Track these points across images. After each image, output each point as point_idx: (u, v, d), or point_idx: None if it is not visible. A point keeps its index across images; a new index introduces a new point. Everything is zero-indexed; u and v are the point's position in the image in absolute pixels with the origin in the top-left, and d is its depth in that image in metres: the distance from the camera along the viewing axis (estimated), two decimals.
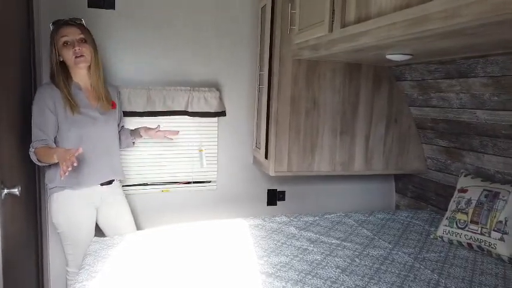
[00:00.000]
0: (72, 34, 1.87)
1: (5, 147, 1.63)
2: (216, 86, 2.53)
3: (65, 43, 1.86)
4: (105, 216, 2.08)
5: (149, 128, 2.21)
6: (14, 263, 1.70)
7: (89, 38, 1.92)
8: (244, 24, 2.55)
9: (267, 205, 2.75)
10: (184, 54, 2.46)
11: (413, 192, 2.81)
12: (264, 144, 2.39)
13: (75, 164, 1.64)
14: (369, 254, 1.77)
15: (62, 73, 1.90)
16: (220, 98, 2.52)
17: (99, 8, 2.28)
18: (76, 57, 1.86)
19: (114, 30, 2.30)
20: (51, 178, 1.93)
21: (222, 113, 2.54)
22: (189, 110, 2.45)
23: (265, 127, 2.38)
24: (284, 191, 2.77)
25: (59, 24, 1.90)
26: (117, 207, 2.11)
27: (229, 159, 2.64)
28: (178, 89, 2.40)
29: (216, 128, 2.58)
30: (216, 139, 2.59)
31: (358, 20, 1.61)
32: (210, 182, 2.62)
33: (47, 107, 1.85)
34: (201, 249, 1.75)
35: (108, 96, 2.03)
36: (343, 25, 1.72)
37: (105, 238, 1.85)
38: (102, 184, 2.01)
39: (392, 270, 1.61)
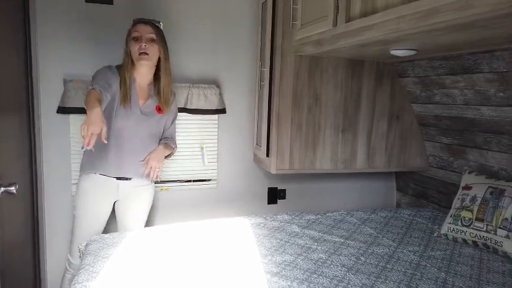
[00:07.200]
0: (143, 31, 1.93)
1: (2, 145, 1.58)
2: (216, 83, 2.49)
3: (135, 38, 1.92)
4: (118, 210, 2.10)
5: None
6: (11, 261, 1.65)
7: (159, 40, 1.95)
8: (244, 20, 2.51)
9: (268, 203, 2.72)
10: (183, 50, 2.41)
11: (415, 190, 2.79)
12: (265, 142, 2.35)
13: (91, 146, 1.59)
14: (373, 252, 1.74)
15: (130, 65, 1.95)
16: (221, 95, 2.48)
17: (97, 2, 2.24)
18: (140, 53, 1.89)
19: (112, 25, 2.25)
20: (81, 162, 2.05)
21: (222, 110, 2.51)
22: (188, 106, 2.41)
23: (266, 124, 2.34)
24: (285, 189, 2.74)
25: (135, 21, 1.97)
26: (130, 204, 2.08)
27: (230, 157, 2.60)
28: (178, 86, 2.35)
29: (216, 126, 2.54)
30: (216, 137, 2.55)
31: (364, 14, 1.59)
32: (210, 180, 2.58)
33: (110, 81, 1.89)
34: (203, 248, 1.71)
35: (169, 103, 2.06)
36: (348, 19, 1.69)
37: (104, 236, 1.80)
38: (118, 178, 2.00)
39: (399, 269, 1.58)
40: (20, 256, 1.88)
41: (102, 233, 2.01)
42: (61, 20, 2.18)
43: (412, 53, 1.86)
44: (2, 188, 1.45)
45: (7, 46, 1.74)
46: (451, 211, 2.02)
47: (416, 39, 1.56)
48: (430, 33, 1.39)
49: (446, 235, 1.97)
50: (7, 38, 1.73)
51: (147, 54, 1.91)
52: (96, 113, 1.61)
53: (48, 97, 2.20)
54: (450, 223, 1.97)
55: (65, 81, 2.18)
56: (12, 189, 1.48)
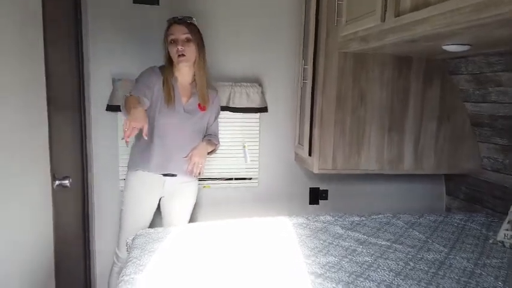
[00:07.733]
0: (178, 33, 1.96)
1: (57, 140, 1.66)
2: (258, 81, 2.48)
3: (172, 41, 1.97)
4: (163, 206, 2.16)
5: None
6: (64, 252, 1.73)
7: (195, 38, 1.99)
8: (287, 17, 2.49)
9: (309, 204, 2.68)
10: (225, 49, 2.43)
11: (466, 194, 2.63)
12: (308, 141, 2.31)
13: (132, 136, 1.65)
14: (423, 258, 1.66)
15: (170, 66, 2.02)
16: (263, 93, 2.48)
17: (144, 3, 2.30)
18: (178, 56, 1.95)
19: (158, 25, 2.30)
20: (129, 159, 2.12)
21: (264, 109, 2.50)
22: (231, 105, 2.42)
23: (309, 123, 2.30)
24: (327, 190, 2.69)
25: (170, 22, 2.02)
26: (175, 200, 2.14)
27: (271, 156, 2.59)
28: (220, 84, 2.37)
29: (258, 124, 2.54)
30: (257, 135, 2.55)
31: (416, 8, 1.51)
32: (251, 179, 2.58)
33: (151, 83, 1.97)
34: (245, 246, 1.71)
35: (206, 99, 2.09)
36: (398, 14, 1.62)
37: (150, 231, 1.85)
38: (164, 175, 2.06)
39: (451, 276, 1.49)
40: (72, 247, 1.97)
41: (148, 228, 2.06)
42: (110, 21, 2.27)
43: (466, 48, 1.75)
44: (57, 181, 1.53)
45: (61, 49, 1.84)
46: (508, 217, 1.89)
47: (471, 33, 1.47)
48: (487, 26, 1.30)
49: (502, 242, 1.84)
50: (61, 42, 1.83)
51: (185, 55, 1.95)
52: (139, 111, 1.69)
53: (98, 96, 2.29)
54: (507, 230, 1.84)
55: (114, 81, 2.26)
56: (66, 182, 1.56)
